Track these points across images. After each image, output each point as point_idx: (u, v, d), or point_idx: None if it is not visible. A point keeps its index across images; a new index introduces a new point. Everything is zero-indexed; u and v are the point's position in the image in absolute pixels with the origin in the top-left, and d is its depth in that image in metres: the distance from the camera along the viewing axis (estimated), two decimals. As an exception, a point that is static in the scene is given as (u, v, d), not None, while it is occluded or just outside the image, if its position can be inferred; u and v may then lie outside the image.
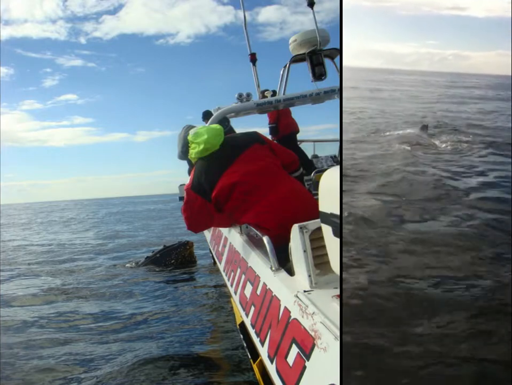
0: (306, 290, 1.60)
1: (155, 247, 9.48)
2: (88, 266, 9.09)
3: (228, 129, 3.71)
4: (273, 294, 1.82)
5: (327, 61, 3.99)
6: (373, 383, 1.80)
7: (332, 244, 1.44)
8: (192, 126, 2.77)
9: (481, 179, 5.52)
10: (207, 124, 3.14)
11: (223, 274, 3.15)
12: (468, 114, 13.91)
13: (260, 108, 3.81)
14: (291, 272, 1.86)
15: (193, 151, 2.62)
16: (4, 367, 3.84)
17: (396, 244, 3.20)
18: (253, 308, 2.06)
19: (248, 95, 3.73)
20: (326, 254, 1.52)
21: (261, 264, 2.14)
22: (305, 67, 3.96)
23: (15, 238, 17.44)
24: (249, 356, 2.14)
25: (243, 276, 2.43)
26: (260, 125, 6.63)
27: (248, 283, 2.28)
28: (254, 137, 2.68)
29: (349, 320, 2.13)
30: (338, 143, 6.30)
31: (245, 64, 4.00)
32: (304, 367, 1.33)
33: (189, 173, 3.66)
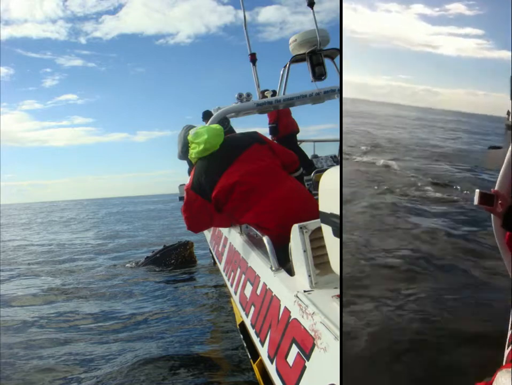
0: (306, 290, 1.60)
1: (155, 247, 9.46)
2: (88, 266, 9.09)
3: (228, 129, 3.70)
4: (273, 294, 1.82)
5: (327, 61, 3.98)
6: None
7: (332, 244, 1.44)
8: (192, 126, 2.76)
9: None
10: (207, 124, 3.13)
11: (223, 274, 3.15)
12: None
13: (260, 108, 3.81)
14: (291, 272, 1.86)
15: (193, 151, 2.62)
16: (4, 367, 3.83)
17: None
18: (253, 308, 2.06)
19: (248, 95, 3.72)
20: (326, 254, 1.52)
21: (261, 264, 2.14)
22: (305, 67, 3.95)
23: (15, 238, 17.43)
24: (249, 356, 2.14)
25: (243, 276, 2.42)
26: (260, 125, 6.63)
27: (248, 283, 2.28)
28: (254, 137, 2.68)
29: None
30: (338, 143, 6.30)
31: (245, 64, 4.00)
32: (304, 367, 1.33)
33: (189, 173, 3.65)
